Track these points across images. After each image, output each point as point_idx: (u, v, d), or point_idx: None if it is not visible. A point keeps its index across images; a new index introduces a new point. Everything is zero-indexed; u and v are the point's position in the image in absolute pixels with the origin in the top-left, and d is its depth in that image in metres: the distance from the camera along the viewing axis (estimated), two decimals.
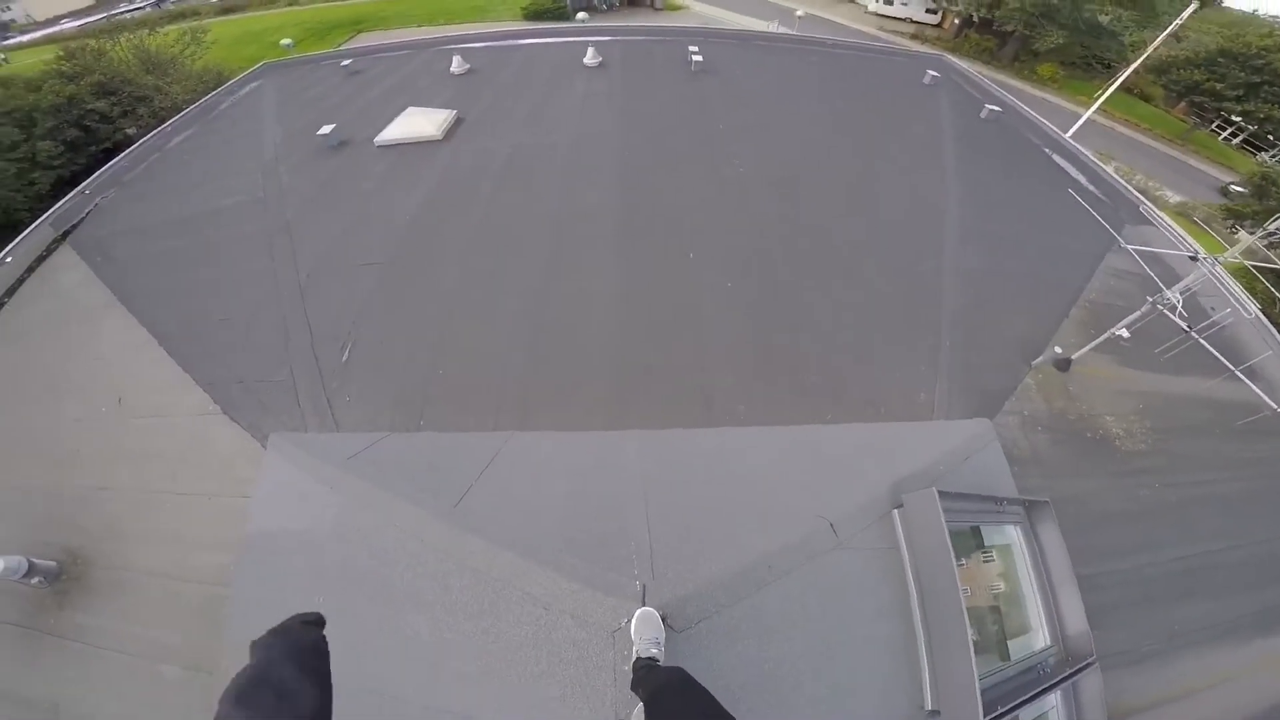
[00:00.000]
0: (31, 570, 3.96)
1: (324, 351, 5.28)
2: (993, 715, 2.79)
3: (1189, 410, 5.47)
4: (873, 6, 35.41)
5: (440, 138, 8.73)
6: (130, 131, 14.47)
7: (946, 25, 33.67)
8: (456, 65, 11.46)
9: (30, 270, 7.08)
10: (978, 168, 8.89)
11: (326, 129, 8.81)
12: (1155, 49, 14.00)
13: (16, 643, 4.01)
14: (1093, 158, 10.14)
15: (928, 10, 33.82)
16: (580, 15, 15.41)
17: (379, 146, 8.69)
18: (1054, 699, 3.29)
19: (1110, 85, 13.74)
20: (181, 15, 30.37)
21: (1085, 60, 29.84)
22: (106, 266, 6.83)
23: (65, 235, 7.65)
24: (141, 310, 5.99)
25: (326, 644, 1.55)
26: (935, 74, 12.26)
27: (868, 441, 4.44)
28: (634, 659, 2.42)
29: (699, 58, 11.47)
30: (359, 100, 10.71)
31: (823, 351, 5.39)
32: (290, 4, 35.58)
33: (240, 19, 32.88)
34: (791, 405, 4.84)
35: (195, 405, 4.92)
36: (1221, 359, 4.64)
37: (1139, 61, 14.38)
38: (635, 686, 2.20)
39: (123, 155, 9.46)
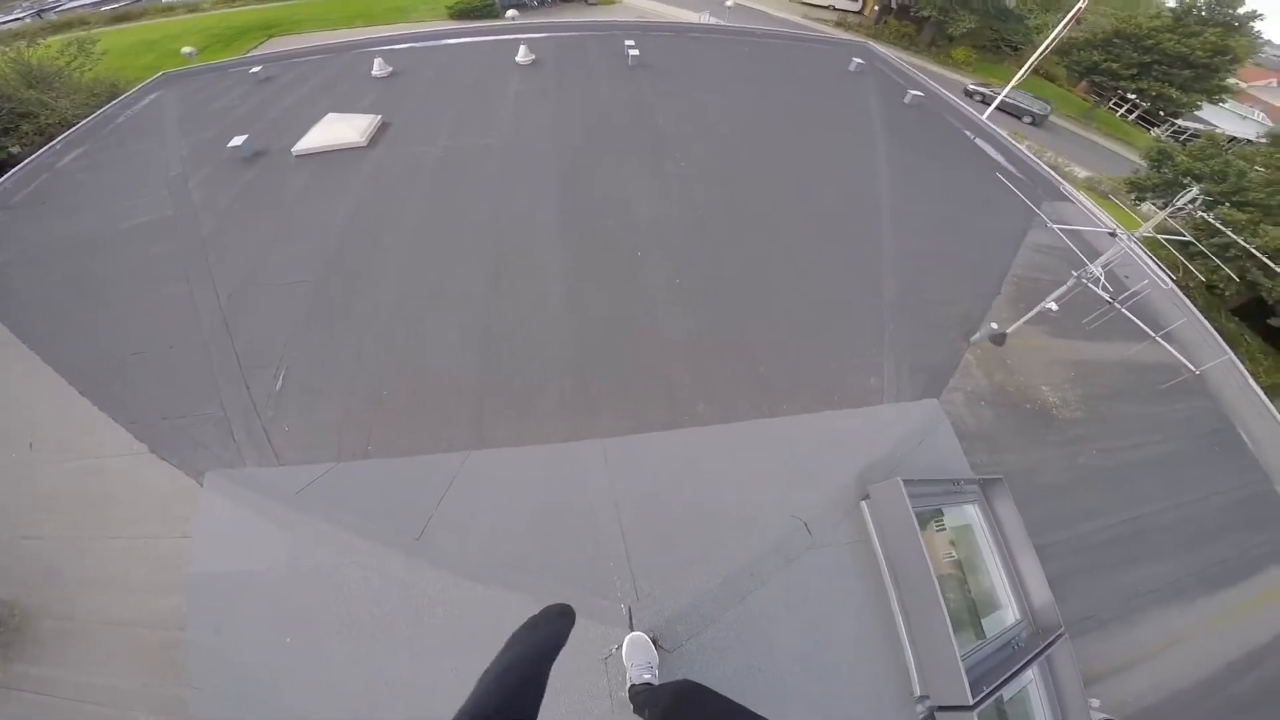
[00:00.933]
0: None
1: (255, 380, 4.92)
2: (980, 695, 2.85)
3: (1116, 376, 5.83)
4: None
5: (365, 144, 8.29)
6: (14, 150, 13.11)
7: (867, 11, 34.78)
8: (378, 68, 10.93)
9: None
10: (906, 153, 9.20)
11: (238, 140, 8.20)
12: (1060, 33, 14.89)
13: None
14: (1008, 138, 10.69)
15: None
16: (510, 12, 15.01)
17: (298, 156, 8.17)
18: (1031, 672, 3.39)
19: (1024, 69, 14.58)
20: (67, 25, 27.68)
21: (995, 43, 31.59)
22: None
23: None
24: (45, 348, 5.45)
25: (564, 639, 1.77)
26: (860, 61, 12.63)
27: (827, 431, 4.51)
28: (629, 686, 2.39)
29: (635, 52, 11.38)
30: (273, 109, 10.04)
31: (775, 342, 5.43)
32: (191, 10, 33.10)
33: (135, 27, 30.19)
34: (750, 399, 4.84)
35: (119, 445, 4.59)
36: (1144, 327, 4.94)
37: (1050, 43, 15.25)
38: (639, 711, 2.15)
39: (7, 176, 8.54)
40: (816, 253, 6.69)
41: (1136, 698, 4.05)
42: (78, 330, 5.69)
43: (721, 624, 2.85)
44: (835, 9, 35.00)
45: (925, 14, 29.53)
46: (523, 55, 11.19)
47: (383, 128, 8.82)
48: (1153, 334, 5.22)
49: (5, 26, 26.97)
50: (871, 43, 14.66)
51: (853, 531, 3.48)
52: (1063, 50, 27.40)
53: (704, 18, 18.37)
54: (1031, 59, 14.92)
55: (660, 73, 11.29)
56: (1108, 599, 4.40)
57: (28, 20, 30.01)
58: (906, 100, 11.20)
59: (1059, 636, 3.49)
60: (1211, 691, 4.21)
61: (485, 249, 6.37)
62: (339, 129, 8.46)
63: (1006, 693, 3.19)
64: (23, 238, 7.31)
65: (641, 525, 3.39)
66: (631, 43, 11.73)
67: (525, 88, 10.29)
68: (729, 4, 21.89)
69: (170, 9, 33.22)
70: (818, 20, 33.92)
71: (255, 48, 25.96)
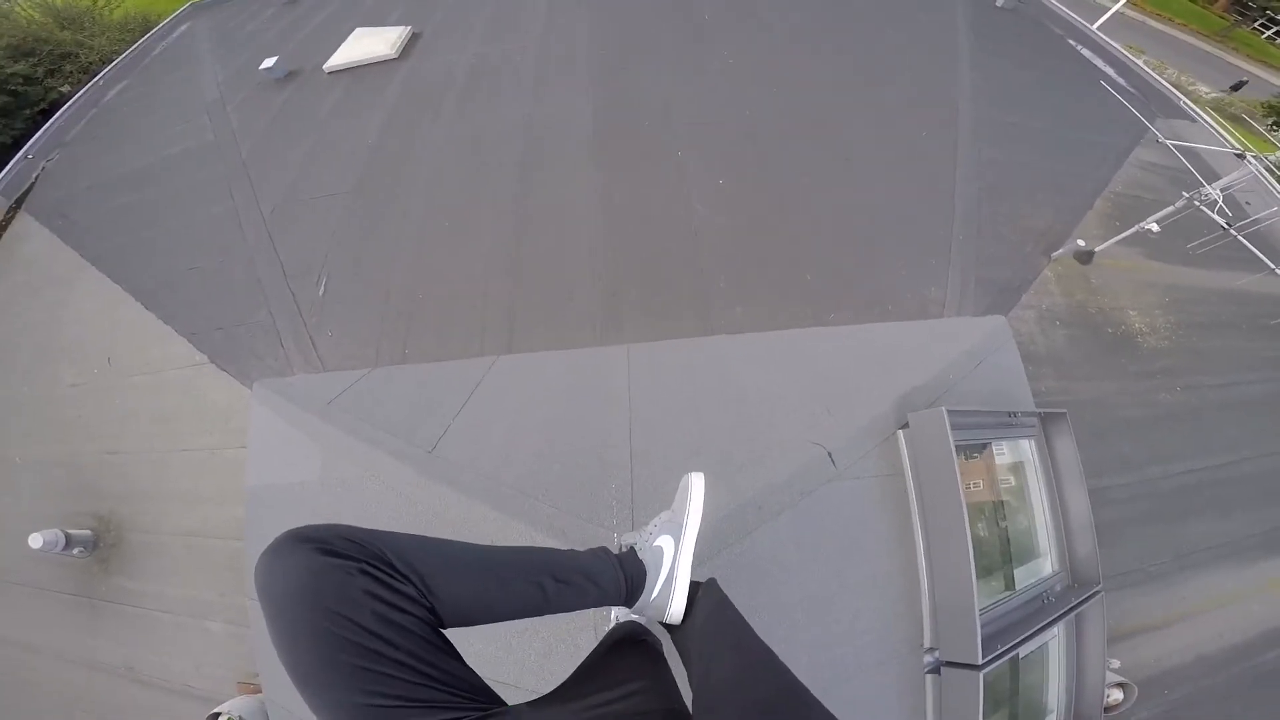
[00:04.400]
0: (70, 542, 4.20)
1: (299, 286, 5.27)
2: (992, 654, 2.74)
3: (1217, 306, 5.43)
4: None
5: (395, 56, 8.38)
6: (64, 89, 13.94)
7: None
8: None
9: None
10: (994, 57, 8.51)
11: (269, 62, 8.46)
12: None
13: (78, 611, 4.32)
14: (1123, 50, 9.77)
15: None
16: None
17: (329, 73, 8.37)
18: (1056, 629, 3.23)
19: None
20: None
21: None
22: (68, 230, 6.91)
23: (19, 203, 7.73)
24: (112, 269, 6.07)
25: None
26: None
27: (873, 345, 4.34)
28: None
29: None
30: (301, 29, 10.26)
31: (826, 249, 5.26)
32: None
33: None
34: (793, 307, 4.72)
35: (182, 357, 5.03)
36: (1263, 257, 4.59)
37: None
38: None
39: (58, 115, 9.38)
40: (880, 158, 6.31)
41: (1159, 659, 3.96)
42: (139, 252, 6.26)
43: (716, 562, 2.76)
44: None
45: None
46: None
47: (413, 39, 8.86)
48: (1273, 266, 4.84)
49: None
50: None
51: (884, 464, 3.28)
52: None
53: None
54: None
55: None
56: (1159, 552, 4.24)
57: None
58: (999, 3, 10.30)
59: (1093, 595, 3.28)
60: (1236, 659, 4.09)
61: (517, 153, 6.42)
62: (368, 43, 8.57)
63: (1024, 650, 3.04)
64: (83, 172, 8.05)
65: (652, 444, 3.32)
66: None
67: None
68: None
69: None
70: None
71: None
